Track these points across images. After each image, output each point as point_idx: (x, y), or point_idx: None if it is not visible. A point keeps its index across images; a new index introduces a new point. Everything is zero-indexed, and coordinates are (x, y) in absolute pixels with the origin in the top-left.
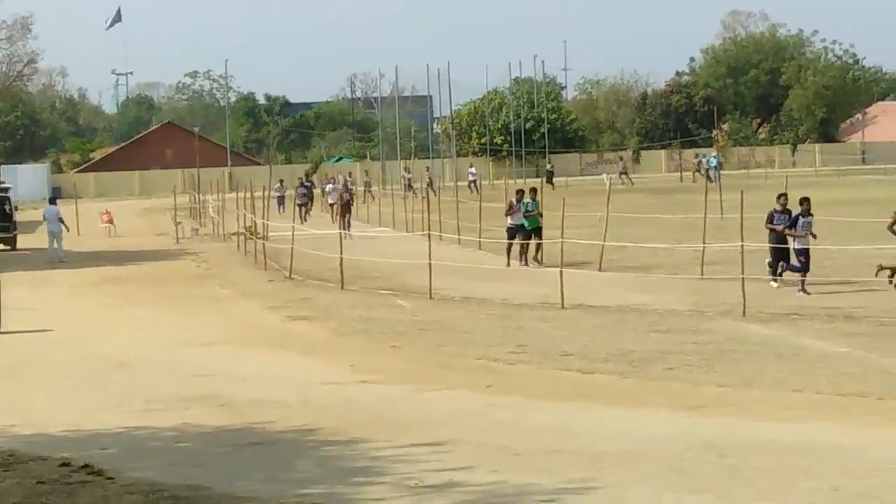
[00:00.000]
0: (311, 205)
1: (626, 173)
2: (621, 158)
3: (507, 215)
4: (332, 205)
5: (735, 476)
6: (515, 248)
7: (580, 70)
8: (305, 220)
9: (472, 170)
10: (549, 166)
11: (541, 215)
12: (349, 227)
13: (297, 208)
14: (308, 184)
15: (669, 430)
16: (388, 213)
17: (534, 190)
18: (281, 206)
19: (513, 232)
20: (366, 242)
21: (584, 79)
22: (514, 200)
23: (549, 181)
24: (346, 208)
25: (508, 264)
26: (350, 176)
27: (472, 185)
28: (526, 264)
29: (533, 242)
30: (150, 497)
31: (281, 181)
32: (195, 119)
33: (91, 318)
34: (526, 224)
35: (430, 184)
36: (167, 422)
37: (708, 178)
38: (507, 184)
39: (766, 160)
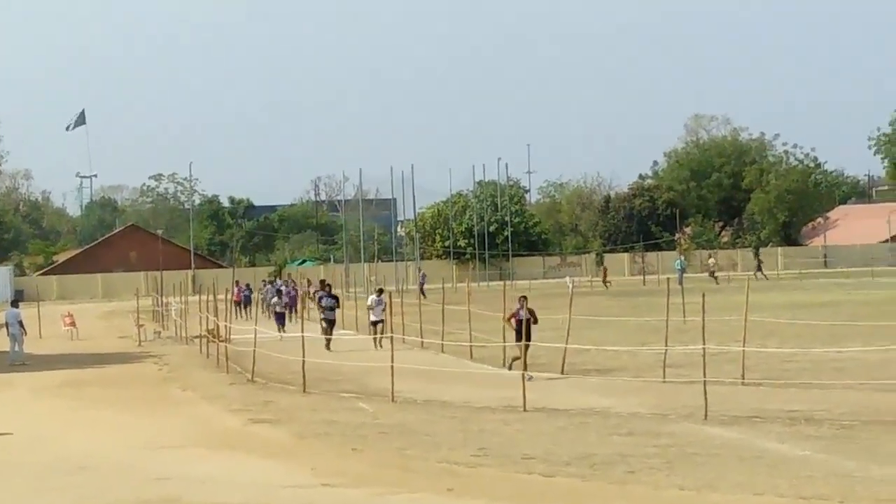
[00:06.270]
0: (295, 312)
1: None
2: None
3: None
4: (374, 323)
5: None
6: None
7: (544, 173)
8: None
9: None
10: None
11: None
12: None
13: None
14: (293, 292)
15: None
16: (351, 315)
17: None
18: (245, 309)
19: None
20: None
21: (547, 182)
22: None
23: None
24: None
25: None
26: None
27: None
28: None
29: None
30: None
31: (242, 283)
32: (159, 222)
33: (52, 420)
34: None
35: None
36: None
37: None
38: (469, 287)
39: (729, 263)
